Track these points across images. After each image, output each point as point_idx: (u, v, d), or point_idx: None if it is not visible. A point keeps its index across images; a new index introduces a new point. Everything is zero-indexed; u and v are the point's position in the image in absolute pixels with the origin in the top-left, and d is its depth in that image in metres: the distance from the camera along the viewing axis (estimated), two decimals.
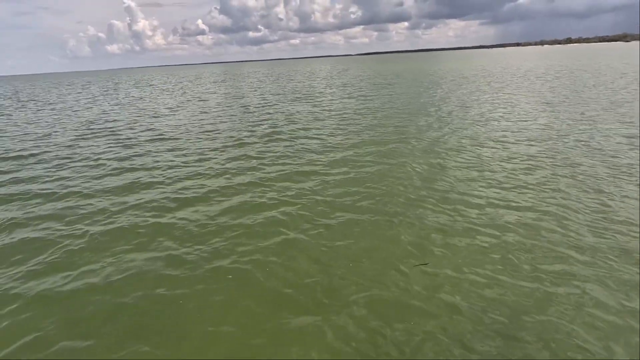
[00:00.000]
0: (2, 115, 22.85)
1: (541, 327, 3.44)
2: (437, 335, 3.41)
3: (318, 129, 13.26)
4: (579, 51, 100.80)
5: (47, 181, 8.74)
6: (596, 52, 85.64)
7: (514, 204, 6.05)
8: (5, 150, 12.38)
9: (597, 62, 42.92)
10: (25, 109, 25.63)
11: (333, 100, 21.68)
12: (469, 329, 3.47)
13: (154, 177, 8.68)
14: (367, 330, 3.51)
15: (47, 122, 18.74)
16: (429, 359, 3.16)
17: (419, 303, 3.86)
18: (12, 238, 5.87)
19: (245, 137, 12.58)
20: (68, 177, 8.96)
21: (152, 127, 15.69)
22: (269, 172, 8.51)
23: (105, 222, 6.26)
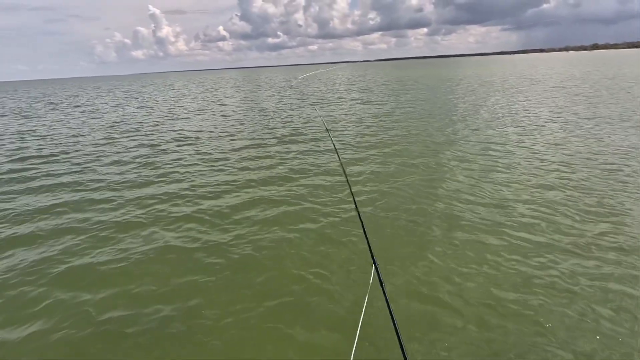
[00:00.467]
0: (34, 117, 24.09)
1: (550, 327, 3.43)
2: (465, 335, 3.46)
3: (338, 132, 13.41)
4: (605, 57, 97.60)
5: (78, 176, 9.21)
6: (625, 58, 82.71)
7: (527, 204, 6.00)
8: (38, 148, 13.10)
9: (623, 70, 41.48)
10: (56, 111, 26.95)
11: (351, 105, 21.82)
12: (485, 327, 3.50)
13: (177, 174, 9.02)
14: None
15: (76, 123, 19.67)
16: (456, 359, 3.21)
17: (437, 295, 3.91)
18: (45, 226, 6.24)
19: (265, 138, 12.85)
20: (98, 173, 9.42)
21: (174, 128, 16.23)
22: (288, 172, 8.70)
23: (131, 213, 6.58)
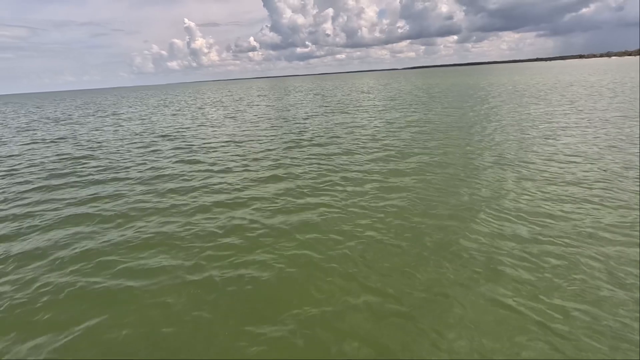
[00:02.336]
0: (75, 123, 25.93)
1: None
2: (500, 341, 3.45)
3: (362, 139, 13.50)
4: None
5: (119, 176, 9.91)
6: None
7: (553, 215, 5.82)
8: (94, 151, 14.14)
9: None
10: (106, 118, 28.90)
11: (376, 112, 21.84)
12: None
13: (209, 174, 9.48)
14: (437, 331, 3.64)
15: (115, 129, 21.04)
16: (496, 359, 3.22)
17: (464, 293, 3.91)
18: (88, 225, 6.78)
19: (291, 142, 13.18)
20: (139, 172, 10.09)
21: (207, 134, 16.97)
22: (320, 175, 8.91)
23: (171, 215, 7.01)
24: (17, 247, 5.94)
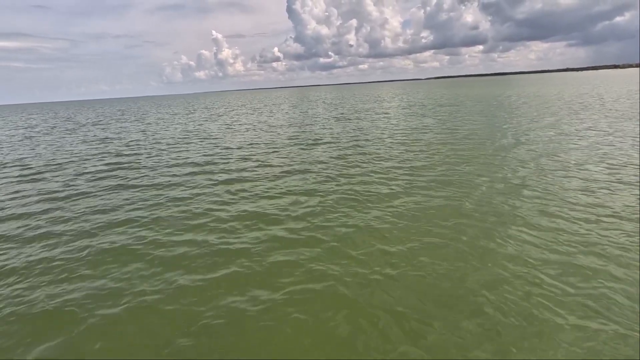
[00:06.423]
0: (107, 129, 27.90)
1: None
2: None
3: (382, 146, 14.17)
4: None
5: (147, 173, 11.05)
6: None
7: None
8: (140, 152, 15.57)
9: None
10: (141, 123, 30.99)
11: (397, 121, 22.41)
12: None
13: (239, 173, 10.48)
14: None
15: (148, 132, 22.68)
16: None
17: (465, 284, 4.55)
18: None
19: (311, 144, 14.05)
20: (165, 169, 11.23)
21: (232, 138, 18.15)
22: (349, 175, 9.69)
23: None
24: (110, 217, 7.06)
